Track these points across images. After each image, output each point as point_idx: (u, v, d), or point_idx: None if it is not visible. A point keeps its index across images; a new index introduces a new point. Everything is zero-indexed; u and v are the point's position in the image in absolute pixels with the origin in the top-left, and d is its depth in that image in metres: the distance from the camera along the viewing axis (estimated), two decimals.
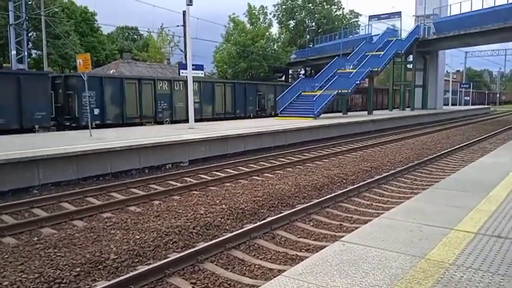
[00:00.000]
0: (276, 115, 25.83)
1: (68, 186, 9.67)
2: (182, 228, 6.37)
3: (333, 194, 8.34)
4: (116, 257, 5.32)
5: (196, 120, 18.95)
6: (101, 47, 46.47)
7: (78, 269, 4.96)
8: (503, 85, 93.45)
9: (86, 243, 5.87)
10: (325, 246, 3.90)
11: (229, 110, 26.88)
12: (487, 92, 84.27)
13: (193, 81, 19.29)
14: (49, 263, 5.12)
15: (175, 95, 22.64)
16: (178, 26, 32.80)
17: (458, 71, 78.37)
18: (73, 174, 9.94)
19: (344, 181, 10.11)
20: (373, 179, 9.90)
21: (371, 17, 38.98)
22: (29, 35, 33.33)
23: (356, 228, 4.89)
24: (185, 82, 20.60)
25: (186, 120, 19.74)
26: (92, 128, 13.98)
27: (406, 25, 45.79)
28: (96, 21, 46.39)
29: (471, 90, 65.18)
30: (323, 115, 24.49)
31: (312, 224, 6.91)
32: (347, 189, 8.83)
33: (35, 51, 37.11)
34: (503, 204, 4.96)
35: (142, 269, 4.84)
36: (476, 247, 3.59)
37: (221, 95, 26.20)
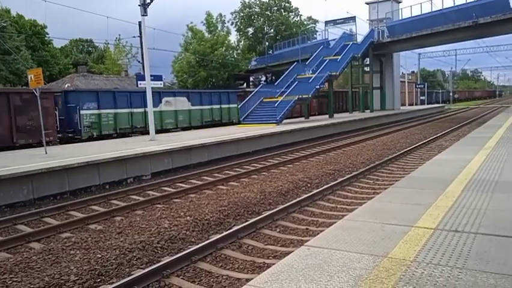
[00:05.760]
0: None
1: (24, 207, 9.24)
2: (146, 243, 6.20)
3: (299, 199, 8.38)
4: (76, 278, 5.10)
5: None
6: (54, 61, 44.98)
7: None
8: (455, 84, 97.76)
9: (44, 265, 5.61)
10: (292, 252, 3.88)
11: None
12: (441, 91, 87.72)
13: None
14: None
15: None
16: (134, 37, 32.33)
17: (412, 72, 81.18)
18: (28, 195, 9.51)
19: (309, 185, 10.19)
20: (337, 181, 10.04)
21: (327, 23, 39.73)
22: None
23: (321, 231, 4.91)
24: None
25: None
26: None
27: (361, 29, 46.95)
28: (47, 34, 44.93)
29: (426, 90, 67.65)
30: (285, 120, 24.72)
31: (278, 230, 6.90)
32: (312, 193, 8.90)
33: None
34: (459, 199, 5.13)
35: None
36: (435, 243, 3.68)
37: None
